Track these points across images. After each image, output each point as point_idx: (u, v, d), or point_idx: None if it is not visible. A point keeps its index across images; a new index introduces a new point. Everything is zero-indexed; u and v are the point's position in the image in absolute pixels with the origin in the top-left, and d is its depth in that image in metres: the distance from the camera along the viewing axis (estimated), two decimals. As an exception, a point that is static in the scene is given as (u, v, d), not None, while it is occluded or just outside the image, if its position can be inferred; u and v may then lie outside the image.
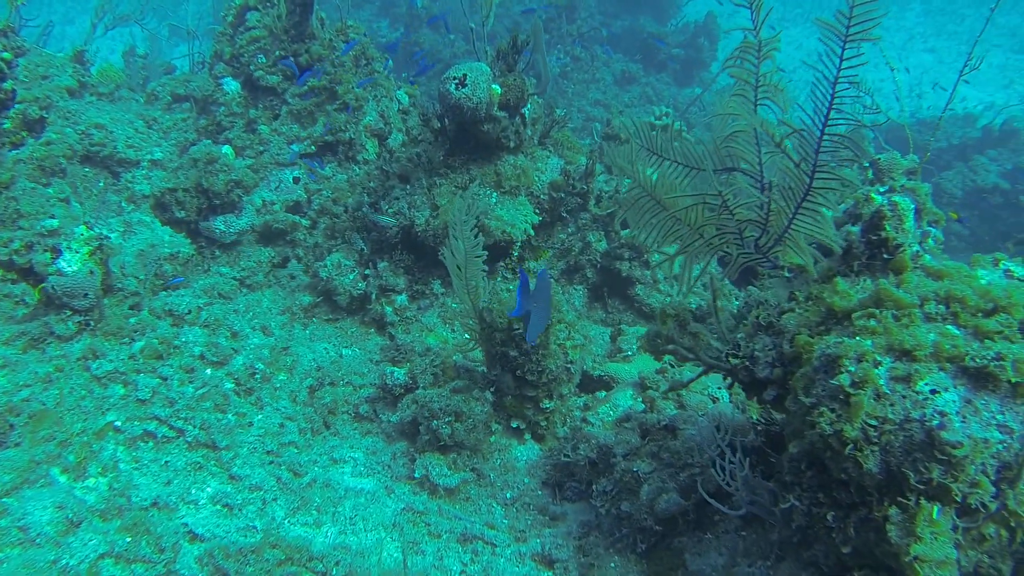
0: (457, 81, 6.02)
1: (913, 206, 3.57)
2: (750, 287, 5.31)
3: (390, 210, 6.44)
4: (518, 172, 6.51)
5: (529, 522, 4.95)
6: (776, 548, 4.08)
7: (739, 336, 4.01)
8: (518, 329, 5.01)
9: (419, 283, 6.61)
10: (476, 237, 5.12)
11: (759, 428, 4.72)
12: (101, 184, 7.20)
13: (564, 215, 6.91)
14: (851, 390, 3.09)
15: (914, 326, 3.18)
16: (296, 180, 7.19)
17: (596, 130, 10.99)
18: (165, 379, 5.05)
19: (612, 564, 4.49)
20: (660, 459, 4.53)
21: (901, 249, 3.53)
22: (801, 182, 3.57)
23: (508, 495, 5.13)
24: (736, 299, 6.84)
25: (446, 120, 6.41)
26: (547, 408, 5.32)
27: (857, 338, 3.25)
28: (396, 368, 5.41)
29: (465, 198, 6.26)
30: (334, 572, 3.92)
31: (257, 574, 3.73)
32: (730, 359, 3.93)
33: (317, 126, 7.42)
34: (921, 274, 3.48)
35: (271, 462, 4.97)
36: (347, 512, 4.74)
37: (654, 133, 4.30)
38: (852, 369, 3.13)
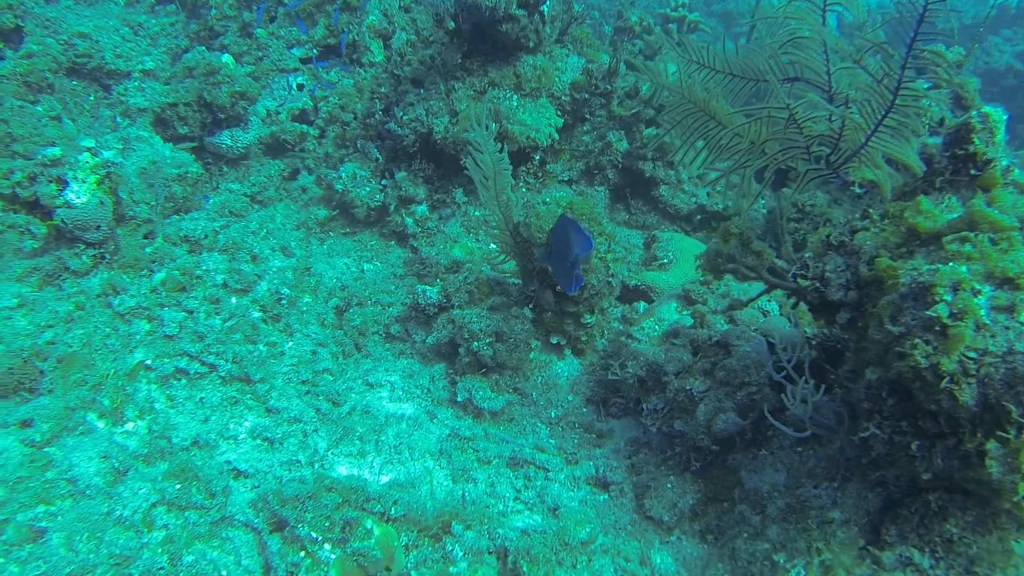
0: (474, -23, 5.59)
1: (1006, 117, 3.32)
2: (783, 189, 5.10)
3: (405, 117, 6.09)
4: (538, 73, 6.13)
5: (576, 441, 4.87)
6: (843, 470, 4.01)
7: (807, 256, 3.81)
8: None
9: (439, 192, 6.32)
10: (502, 149, 4.83)
11: (813, 342, 4.60)
12: (92, 98, 6.78)
13: (588, 116, 6.57)
14: (949, 321, 2.91)
15: (1015, 250, 2.99)
16: (300, 87, 6.78)
17: (597, 20, 10.48)
18: (191, 312, 4.83)
19: (668, 485, 4.42)
20: (715, 377, 4.40)
21: (991, 165, 3.30)
22: (883, 99, 3.30)
23: (553, 414, 5.03)
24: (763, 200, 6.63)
25: (460, 20, 5.99)
26: (588, 323, 5.16)
27: (951, 264, 3.05)
28: (428, 287, 5.19)
29: (485, 104, 5.94)
30: (392, 512, 3.81)
31: (317, 520, 3.62)
32: (799, 280, 3.73)
33: (318, 28, 6.94)
34: (1014, 191, 3.26)
35: (307, 392, 4.81)
36: (390, 440, 4.62)
37: (703, 46, 3.99)
38: (949, 299, 2.94)
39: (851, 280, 3.60)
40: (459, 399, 4.86)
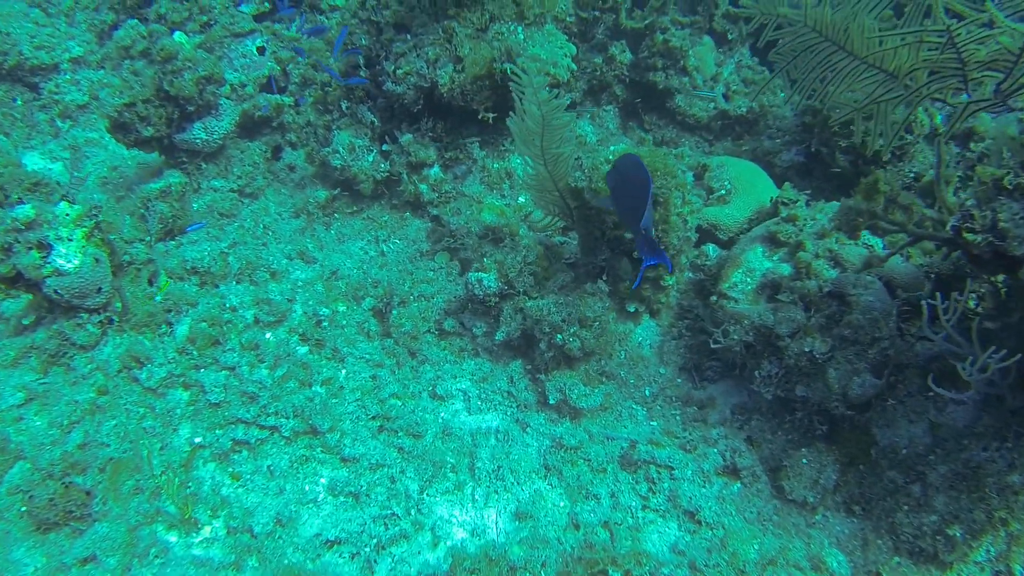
0: None
1: None
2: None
3: (400, 71, 5.26)
4: (540, -4, 5.31)
5: (679, 419, 4.41)
6: (1015, 427, 3.61)
7: (969, 203, 3.26)
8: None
9: (451, 149, 5.58)
10: (554, 95, 4.13)
11: (931, 275, 4.13)
12: (19, 103, 5.79)
13: (599, 36, 5.80)
14: None
15: None
16: (261, 50, 5.84)
17: None
18: (232, 368, 4.13)
19: (804, 460, 4.00)
20: (836, 334, 3.92)
21: None
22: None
23: (647, 392, 4.55)
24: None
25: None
26: (668, 285, 4.61)
27: None
28: (482, 273, 4.55)
29: (491, 43, 5.14)
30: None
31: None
32: (965, 234, 3.20)
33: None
34: None
35: (381, 427, 4.23)
36: (487, 465, 4.11)
37: None
38: None
39: (1039, 231, 3.07)
40: (552, 401, 4.33)
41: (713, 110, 6.27)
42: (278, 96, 5.79)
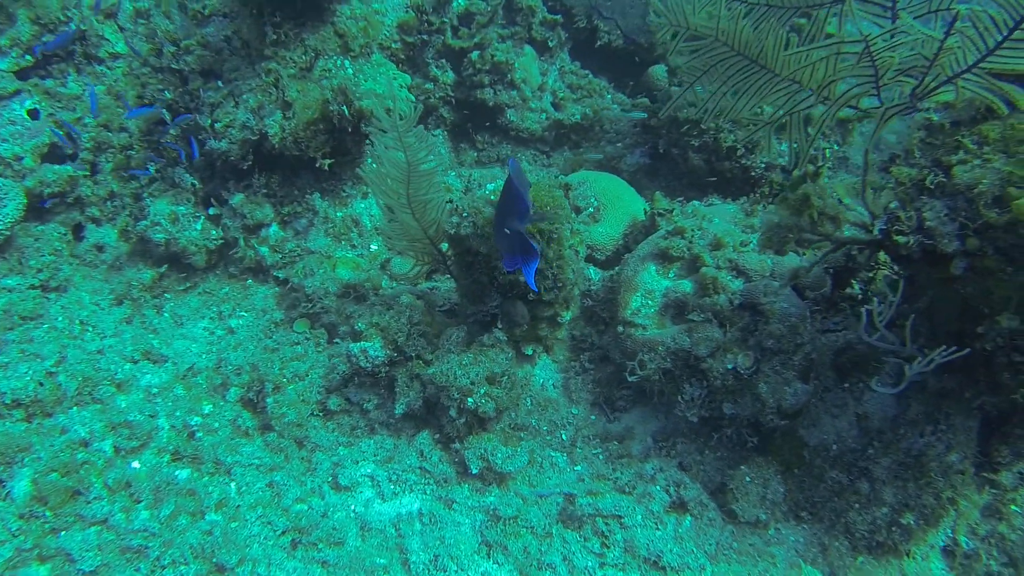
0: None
1: None
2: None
3: (220, 125, 4.62)
4: (362, 25, 4.84)
5: (601, 457, 4.18)
6: (944, 407, 3.66)
7: (892, 205, 3.22)
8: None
9: (288, 203, 4.99)
10: (420, 139, 3.76)
11: (829, 271, 4.13)
12: None
13: (429, 60, 5.41)
14: None
15: None
16: (33, 113, 4.94)
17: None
18: (104, 521, 3.38)
19: (747, 479, 3.89)
20: (763, 347, 3.82)
21: None
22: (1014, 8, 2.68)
23: (564, 436, 4.28)
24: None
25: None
26: (565, 321, 4.35)
27: None
28: (365, 343, 4.06)
29: (320, 83, 4.63)
30: None
31: None
32: (895, 237, 3.16)
33: (20, 23, 5.01)
34: None
35: (295, 542, 3.65)
36: (421, 556, 3.67)
37: None
38: None
39: (965, 226, 3.07)
40: (474, 470, 3.93)
41: (546, 120, 6.07)
42: (68, 166, 4.92)
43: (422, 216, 4.13)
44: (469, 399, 3.87)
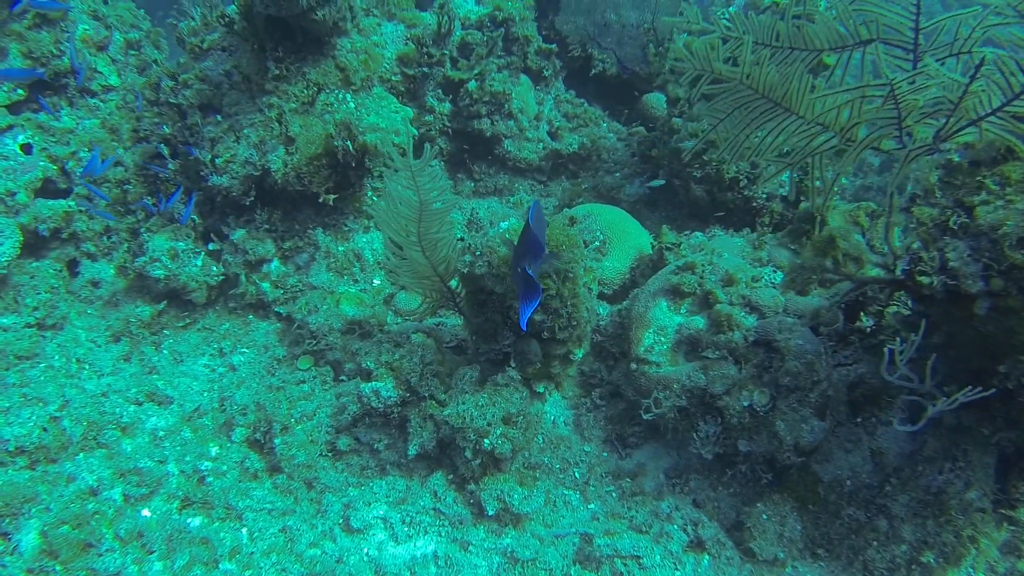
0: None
1: None
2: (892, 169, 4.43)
3: (220, 161, 4.55)
4: (363, 58, 4.80)
5: (614, 495, 4.15)
6: (961, 445, 3.67)
7: (914, 245, 3.23)
8: (548, 287, 3.85)
9: (289, 238, 4.92)
10: (433, 179, 3.72)
11: (841, 307, 4.15)
12: None
13: (430, 92, 5.38)
14: None
15: None
16: (27, 148, 4.83)
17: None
18: (118, 574, 3.27)
19: (764, 516, 3.87)
20: (779, 384, 3.82)
21: None
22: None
23: (576, 474, 4.24)
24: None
25: (255, 10, 4.44)
26: (577, 359, 4.32)
27: None
28: (376, 383, 4.00)
29: (322, 118, 4.58)
30: None
31: None
32: (919, 277, 3.17)
33: (11, 56, 4.90)
34: None
35: (310, 587, 3.58)
36: (439, 601, 3.61)
37: (760, 16, 3.12)
38: None
39: (990, 267, 3.09)
40: (491, 512, 3.88)
41: (543, 150, 6.06)
42: (64, 201, 4.81)
43: (432, 254, 4.09)
44: (485, 440, 3.82)
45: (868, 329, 4.12)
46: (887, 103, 2.98)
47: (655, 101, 6.27)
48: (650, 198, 5.64)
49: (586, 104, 6.32)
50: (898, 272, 3.31)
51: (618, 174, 5.78)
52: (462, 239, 4.09)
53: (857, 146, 3.13)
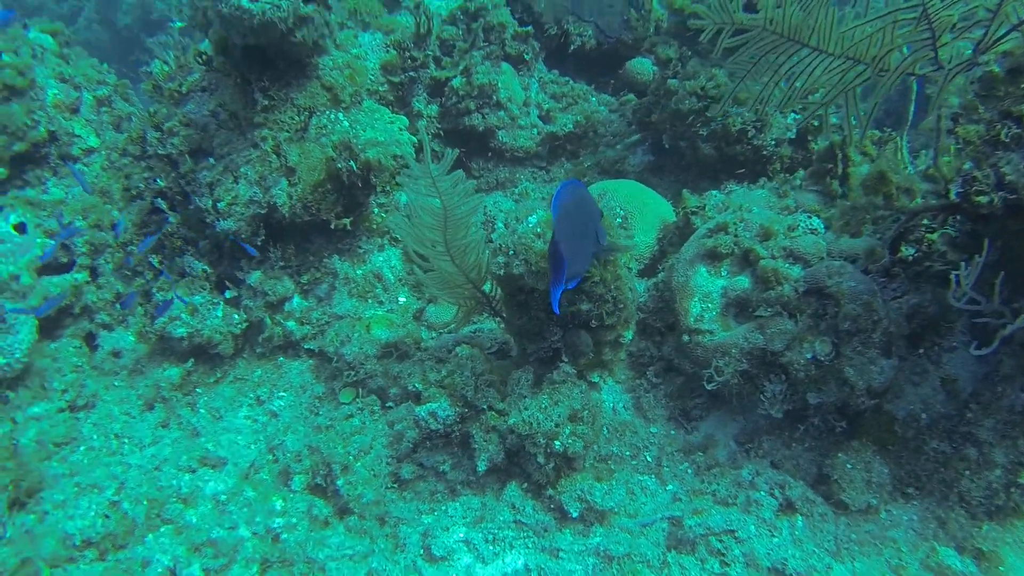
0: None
1: None
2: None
3: (222, 204, 4.39)
4: (348, 73, 4.64)
5: (691, 472, 4.06)
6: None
7: (965, 166, 3.14)
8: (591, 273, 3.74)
9: (305, 271, 4.77)
10: (456, 183, 3.58)
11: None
12: None
13: (417, 96, 5.22)
14: None
15: None
16: (21, 227, 4.65)
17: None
18: None
19: (848, 466, 3.78)
20: (839, 330, 3.72)
21: None
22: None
23: (648, 458, 4.14)
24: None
25: (230, 45, 4.27)
26: (627, 341, 4.21)
27: None
28: (431, 404, 3.88)
29: (317, 141, 4.43)
30: None
31: None
32: (976, 198, 3.07)
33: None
34: None
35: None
36: (541, 616, 3.51)
37: None
38: None
39: (1051, 175, 2.99)
40: (574, 514, 3.77)
41: (537, 135, 5.92)
42: (70, 275, 4.64)
43: (462, 261, 3.96)
44: (556, 442, 3.71)
45: (910, 258, 4.03)
46: (920, 24, 2.87)
47: (639, 67, 6.14)
48: (656, 164, 5.52)
49: (571, 81, 6.18)
50: (952, 196, 3.20)
51: (618, 146, 5.66)
52: (491, 240, 3.96)
53: (892, 73, 3.01)
